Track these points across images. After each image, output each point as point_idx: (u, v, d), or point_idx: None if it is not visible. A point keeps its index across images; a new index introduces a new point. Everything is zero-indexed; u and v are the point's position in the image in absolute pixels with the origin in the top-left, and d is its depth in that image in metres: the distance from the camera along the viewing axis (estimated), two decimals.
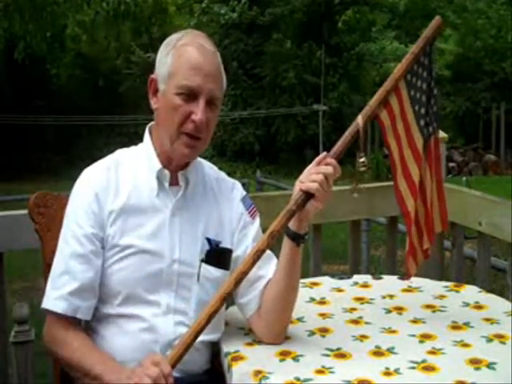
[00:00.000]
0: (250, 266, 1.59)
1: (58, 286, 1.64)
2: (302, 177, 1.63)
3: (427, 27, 1.79)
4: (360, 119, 1.66)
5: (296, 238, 1.64)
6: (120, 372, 1.53)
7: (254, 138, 19.48)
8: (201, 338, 1.57)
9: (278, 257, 1.73)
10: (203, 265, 1.69)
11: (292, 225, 1.64)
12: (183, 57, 1.63)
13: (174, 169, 1.69)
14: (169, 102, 1.63)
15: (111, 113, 17.62)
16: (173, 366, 1.51)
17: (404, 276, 1.89)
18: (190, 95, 1.61)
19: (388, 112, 1.71)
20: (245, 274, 1.58)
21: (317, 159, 1.64)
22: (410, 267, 1.83)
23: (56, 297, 1.63)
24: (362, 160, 1.66)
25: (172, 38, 1.69)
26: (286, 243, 1.66)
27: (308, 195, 1.60)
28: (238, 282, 1.58)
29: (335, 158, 1.63)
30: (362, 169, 1.66)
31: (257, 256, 1.59)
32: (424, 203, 1.81)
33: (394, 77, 1.72)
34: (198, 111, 1.61)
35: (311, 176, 1.60)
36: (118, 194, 1.67)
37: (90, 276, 1.63)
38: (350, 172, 1.68)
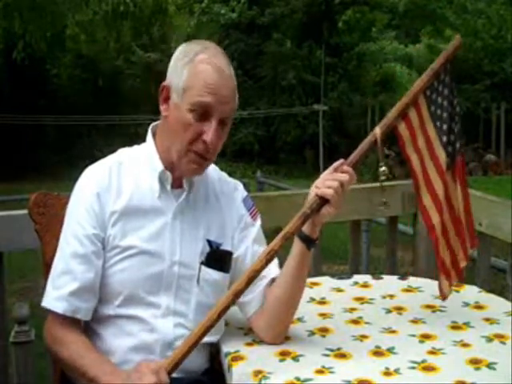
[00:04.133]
0: (262, 266, 1.60)
1: (58, 286, 1.64)
2: (318, 182, 1.63)
3: (448, 45, 1.81)
4: (378, 130, 1.68)
5: (307, 241, 1.65)
6: (115, 374, 1.53)
7: (254, 138, 19.48)
8: None
9: (279, 257, 1.73)
10: (203, 267, 1.69)
11: (305, 228, 1.64)
12: (200, 75, 1.60)
13: (179, 174, 1.69)
14: (181, 118, 1.62)
15: (111, 113, 17.60)
16: (177, 364, 1.51)
17: (442, 298, 1.85)
18: (203, 114, 1.60)
19: (406, 125, 1.72)
20: (257, 272, 1.59)
21: (333, 165, 1.65)
22: (444, 288, 1.82)
23: (56, 297, 1.63)
24: (382, 169, 1.69)
25: (190, 50, 1.65)
26: (297, 245, 1.66)
27: (323, 200, 1.61)
28: (250, 280, 1.58)
29: (351, 166, 1.64)
30: (383, 177, 1.69)
31: (270, 256, 1.60)
32: (454, 220, 1.80)
33: (413, 91, 1.74)
34: (210, 132, 1.60)
35: (327, 182, 1.61)
36: (119, 194, 1.66)
37: (91, 277, 1.63)
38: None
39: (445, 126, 1.77)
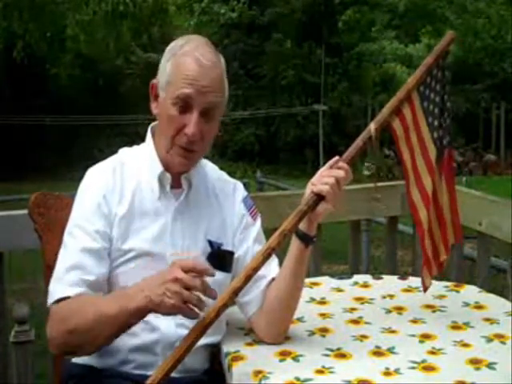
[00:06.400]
0: (260, 263, 1.59)
1: (67, 279, 1.57)
2: (314, 179, 1.64)
3: (440, 41, 1.81)
4: (372, 126, 1.68)
5: (305, 239, 1.65)
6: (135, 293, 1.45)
7: (254, 138, 19.50)
8: (202, 340, 1.56)
9: (278, 257, 1.73)
10: None
11: (302, 225, 1.64)
12: (181, 67, 1.62)
13: (177, 172, 1.69)
14: (166, 112, 1.63)
15: (111, 113, 17.62)
16: (175, 365, 1.49)
17: (423, 290, 1.88)
18: (185, 106, 1.60)
19: (401, 121, 1.73)
20: (255, 270, 1.59)
21: (329, 163, 1.65)
22: (425, 280, 1.84)
23: (69, 284, 1.56)
24: (367, 164, 1.70)
25: (175, 45, 1.67)
26: (295, 243, 1.66)
27: (319, 197, 1.61)
28: (248, 277, 1.58)
29: (347, 163, 1.65)
30: (366, 173, 1.70)
31: (267, 253, 1.60)
32: (438, 215, 1.82)
33: (407, 87, 1.74)
34: (191, 124, 1.60)
35: (323, 179, 1.61)
36: (122, 197, 1.66)
37: (103, 272, 1.60)
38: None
39: (436, 122, 1.78)
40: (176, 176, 1.69)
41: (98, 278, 1.59)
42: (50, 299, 1.59)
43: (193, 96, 1.60)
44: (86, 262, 1.59)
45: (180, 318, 1.65)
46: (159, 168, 1.68)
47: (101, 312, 1.49)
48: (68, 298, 1.56)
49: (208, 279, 1.68)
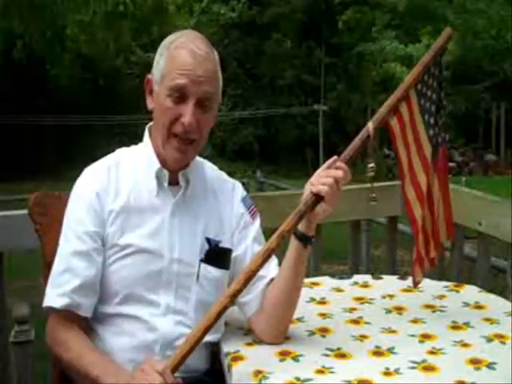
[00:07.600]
0: (259, 265, 1.59)
1: (59, 284, 1.63)
2: (313, 179, 1.64)
3: (438, 38, 1.81)
4: (370, 125, 1.68)
5: (304, 239, 1.65)
6: (118, 375, 1.53)
7: (254, 138, 19.51)
8: None
9: (278, 257, 1.73)
10: (202, 265, 1.69)
11: (301, 226, 1.64)
12: (175, 59, 1.63)
13: (173, 169, 1.69)
14: (161, 104, 1.64)
15: (111, 113, 17.63)
16: (178, 365, 1.50)
17: (414, 285, 1.89)
18: (180, 97, 1.61)
19: (398, 119, 1.73)
20: (254, 272, 1.59)
21: (327, 162, 1.65)
22: (416, 275, 1.85)
23: (57, 294, 1.62)
24: (370, 165, 1.69)
25: (167, 40, 1.69)
26: (293, 244, 1.66)
27: (318, 197, 1.61)
28: (248, 279, 1.58)
29: (345, 163, 1.64)
30: (371, 174, 1.69)
31: (267, 255, 1.60)
32: (431, 212, 1.82)
33: (405, 85, 1.74)
34: (187, 113, 1.61)
35: (321, 179, 1.61)
36: (118, 193, 1.67)
37: (92, 273, 1.63)
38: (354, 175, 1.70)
39: (432, 120, 1.79)
40: (174, 173, 1.69)
41: (85, 280, 1.63)
42: (45, 302, 1.65)
43: (187, 86, 1.60)
44: (74, 265, 1.64)
45: (178, 316, 1.66)
46: (157, 165, 1.68)
47: (85, 368, 1.57)
48: (61, 312, 1.63)
49: (207, 276, 1.69)
